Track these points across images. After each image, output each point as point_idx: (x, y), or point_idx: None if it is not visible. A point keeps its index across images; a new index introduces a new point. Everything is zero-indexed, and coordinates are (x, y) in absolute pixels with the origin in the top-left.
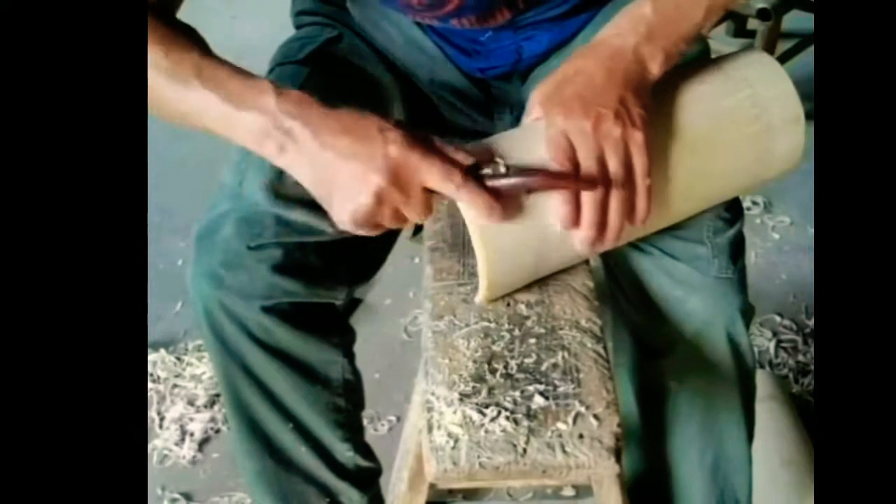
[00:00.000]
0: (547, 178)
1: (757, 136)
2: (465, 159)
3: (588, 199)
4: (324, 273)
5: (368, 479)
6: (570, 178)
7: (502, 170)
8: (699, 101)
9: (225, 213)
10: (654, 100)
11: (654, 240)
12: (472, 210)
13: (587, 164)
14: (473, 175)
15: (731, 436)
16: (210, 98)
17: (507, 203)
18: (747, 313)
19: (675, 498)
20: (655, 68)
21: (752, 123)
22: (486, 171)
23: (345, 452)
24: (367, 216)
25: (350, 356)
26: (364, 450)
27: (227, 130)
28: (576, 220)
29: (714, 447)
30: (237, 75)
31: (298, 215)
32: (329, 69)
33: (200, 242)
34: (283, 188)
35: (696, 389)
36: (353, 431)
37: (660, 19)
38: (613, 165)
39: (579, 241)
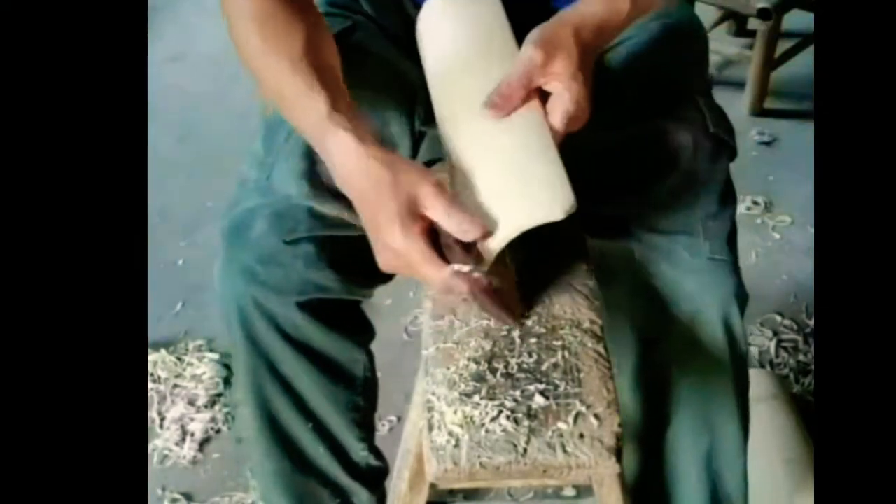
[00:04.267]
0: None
1: None
2: (466, 235)
3: None
4: (357, 267)
5: (378, 478)
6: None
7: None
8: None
9: (255, 209)
10: None
11: (649, 225)
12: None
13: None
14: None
15: (725, 427)
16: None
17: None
18: (741, 298)
19: (668, 489)
20: None
21: None
22: (462, 268)
23: (359, 452)
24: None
25: (370, 354)
26: (375, 450)
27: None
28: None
29: (708, 436)
30: (302, 105)
31: (331, 208)
32: (347, 59)
33: (231, 238)
34: (316, 179)
35: (692, 376)
36: (367, 431)
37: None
38: None
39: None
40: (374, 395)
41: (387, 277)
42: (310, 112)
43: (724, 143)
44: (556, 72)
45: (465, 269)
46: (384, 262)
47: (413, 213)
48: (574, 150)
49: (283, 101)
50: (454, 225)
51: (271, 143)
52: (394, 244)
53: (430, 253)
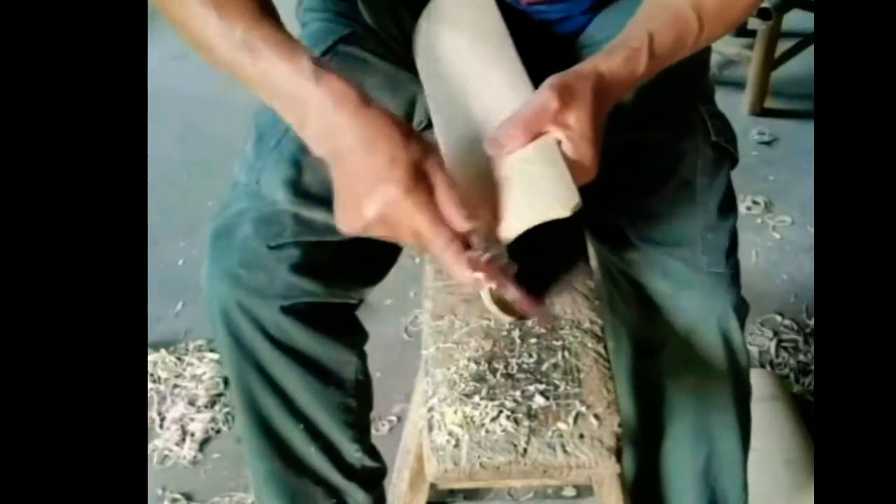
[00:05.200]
0: (520, 296)
1: None
2: (460, 224)
3: None
4: (341, 273)
5: (374, 479)
6: (537, 308)
7: (484, 256)
8: None
9: (242, 212)
10: None
11: (645, 235)
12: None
13: None
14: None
15: (723, 436)
16: (255, 73)
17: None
18: (740, 310)
19: (665, 497)
20: None
21: None
22: (474, 252)
23: (353, 453)
24: (360, 235)
25: (362, 357)
26: (371, 450)
27: (272, 106)
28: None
29: (706, 447)
30: (281, 56)
31: (317, 214)
32: (346, 67)
33: (217, 242)
34: (302, 187)
35: (689, 388)
36: (361, 432)
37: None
38: None
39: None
40: (369, 397)
41: (373, 281)
42: (289, 62)
43: (725, 152)
44: (569, 125)
45: (483, 255)
46: (370, 218)
47: (421, 172)
48: None
49: (265, 82)
50: (451, 205)
51: (261, 148)
52: (394, 195)
53: (435, 212)
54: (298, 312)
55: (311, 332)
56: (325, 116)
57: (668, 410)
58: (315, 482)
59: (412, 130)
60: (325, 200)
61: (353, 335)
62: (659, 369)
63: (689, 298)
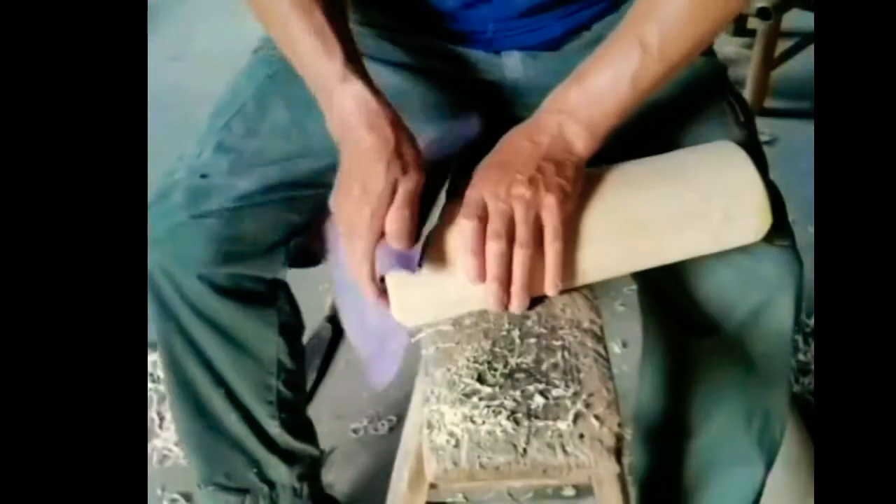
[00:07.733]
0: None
1: (709, 229)
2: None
3: (491, 253)
4: (262, 248)
5: (300, 459)
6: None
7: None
8: (652, 189)
9: (177, 181)
10: (595, 179)
11: None
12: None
13: (494, 221)
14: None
15: (777, 402)
16: (293, 57)
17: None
18: (801, 283)
19: (714, 469)
20: (581, 147)
21: (704, 218)
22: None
23: (273, 428)
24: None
25: (290, 340)
26: (296, 431)
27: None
28: (481, 273)
29: (761, 415)
30: (313, 50)
31: (249, 184)
32: None
33: (152, 207)
34: (239, 167)
35: (748, 366)
36: (284, 411)
37: (582, 99)
38: (520, 225)
39: (488, 295)
40: (295, 381)
41: (295, 264)
42: (323, 57)
43: (753, 134)
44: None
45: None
46: (344, 212)
47: (393, 189)
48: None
49: (293, 44)
50: (392, 223)
51: (212, 124)
52: (364, 210)
53: (379, 215)
54: (217, 282)
55: (228, 302)
56: (342, 114)
57: (715, 392)
58: (234, 448)
59: (406, 152)
60: (253, 165)
61: (277, 313)
62: (708, 350)
63: (767, 270)
